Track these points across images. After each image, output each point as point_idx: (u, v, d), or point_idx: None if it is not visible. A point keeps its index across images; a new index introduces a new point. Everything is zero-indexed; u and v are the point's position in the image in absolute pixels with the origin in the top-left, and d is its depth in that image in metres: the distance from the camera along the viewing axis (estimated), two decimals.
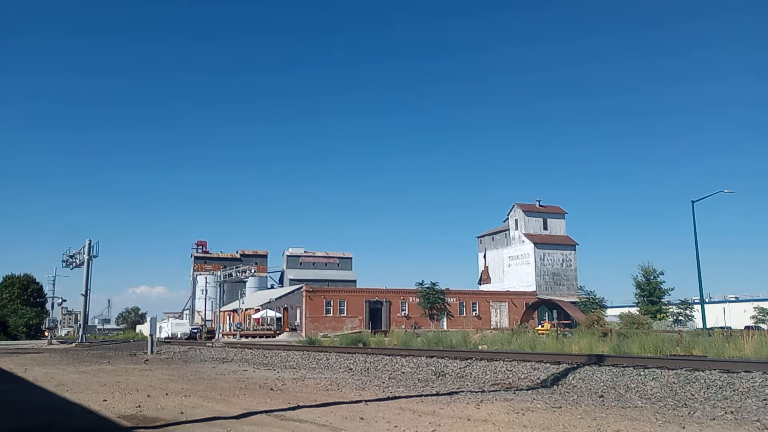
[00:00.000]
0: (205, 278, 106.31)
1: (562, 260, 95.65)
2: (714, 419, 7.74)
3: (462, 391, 11.10)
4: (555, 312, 76.11)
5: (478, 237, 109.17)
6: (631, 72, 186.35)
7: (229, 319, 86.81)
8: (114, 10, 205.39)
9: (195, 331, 73.43)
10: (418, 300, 78.25)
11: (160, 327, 73.68)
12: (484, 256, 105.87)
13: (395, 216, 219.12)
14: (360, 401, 9.85)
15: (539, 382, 12.37)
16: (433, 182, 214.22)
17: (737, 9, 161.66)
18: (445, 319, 77.92)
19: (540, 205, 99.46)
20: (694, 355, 17.48)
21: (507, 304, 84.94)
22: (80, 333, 51.50)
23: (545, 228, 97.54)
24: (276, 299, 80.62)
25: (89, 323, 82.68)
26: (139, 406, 9.47)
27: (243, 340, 53.56)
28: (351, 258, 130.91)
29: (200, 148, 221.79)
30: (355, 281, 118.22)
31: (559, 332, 30.34)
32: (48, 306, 79.18)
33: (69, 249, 54.72)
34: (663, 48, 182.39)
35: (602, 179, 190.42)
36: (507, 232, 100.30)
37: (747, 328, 50.09)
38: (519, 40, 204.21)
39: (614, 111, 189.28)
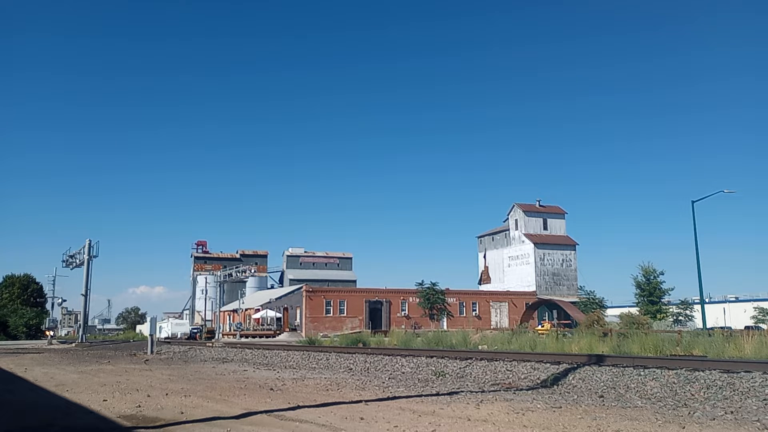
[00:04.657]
0: (205, 278, 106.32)
1: (562, 260, 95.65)
2: (714, 419, 7.74)
3: (462, 391, 11.10)
4: (555, 312, 76.08)
5: (478, 237, 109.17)
6: (631, 72, 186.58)
7: (229, 319, 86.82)
8: (114, 10, 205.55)
9: (195, 331, 73.45)
10: (418, 300, 78.24)
11: (160, 327, 73.71)
12: (484, 256, 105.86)
13: (395, 216, 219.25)
14: (360, 401, 9.85)
15: (539, 382, 12.36)
16: (433, 182, 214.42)
17: (737, 9, 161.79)
18: (445, 319, 77.92)
19: (540, 205, 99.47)
20: (694, 355, 17.48)
21: (507, 304, 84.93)
22: (80, 333, 51.48)
23: (545, 228, 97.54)
24: (276, 299, 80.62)
25: (89, 323, 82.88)
26: (139, 406, 9.47)
27: (243, 340, 53.56)
28: (351, 258, 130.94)
29: (200, 148, 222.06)
30: (355, 281, 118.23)
31: (559, 332, 30.34)
32: (48, 306, 79.18)
33: (69, 249, 54.79)
34: (663, 48, 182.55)
35: (602, 179, 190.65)
36: (507, 232, 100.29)
37: (747, 328, 50.07)
38: (519, 40, 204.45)
39: (614, 111, 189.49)
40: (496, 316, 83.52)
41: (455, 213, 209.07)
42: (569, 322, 61.15)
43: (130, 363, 22.34)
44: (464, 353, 17.99)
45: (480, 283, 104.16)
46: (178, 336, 71.46)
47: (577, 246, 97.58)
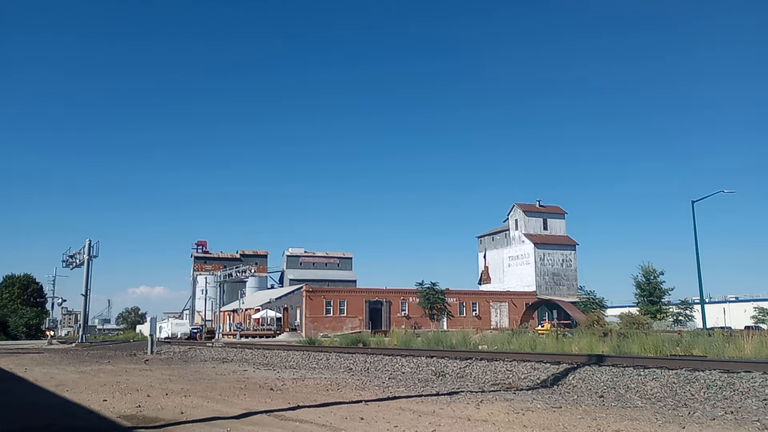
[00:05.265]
0: (205, 278, 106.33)
1: (562, 260, 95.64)
2: (714, 419, 7.74)
3: (462, 391, 11.10)
4: (555, 312, 76.10)
5: (478, 237, 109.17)
6: (631, 72, 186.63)
7: (229, 319, 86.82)
8: (114, 10, 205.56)
9: (195, 331, 73.46)
10: (418, 300, 78.23)
11: (160, 327, 73.69)
12: (484, 256, 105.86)
13: (395, 216, 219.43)
14: (360, 401, 9.84)
15: (539, 382, 12.36)
16: (433, 182, 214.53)
17: (737, 9, 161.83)
18: (445, 319, 77.93)
19: (540, 205, 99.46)
20: (694, 355, 17.47)
21: (507, 304, 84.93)
22: (80, 333, 51.47)
23: (545, 228, 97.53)
24: (276, 299, 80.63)
25: (89, 323, 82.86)
26: (139, 406, 9.47)
27: (243, 340, 53.56)
28: (351, 258, 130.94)
29: (200, 148, 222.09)
30: (355, 281, 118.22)
31: (559, 332, 30.34)
32: (48, 306, 79.15)
33: (69, 249, 54.76)
34: (663, 48, 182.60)
35: (602, 179, 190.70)
36: (507, 232, 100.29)
37: (747, 328, 50.05)
38: (519, 40, 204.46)
39: (614, 111, 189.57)
40: (496, 316, 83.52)
41: (455, 213, 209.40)
42: (569, 322, 61.14)
43: (130, 363, 22.33)
44: (464, 353, 17.98)
45: (480, 283, 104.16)
46: (178, 336, 71.47)
47: (577, 246, 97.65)
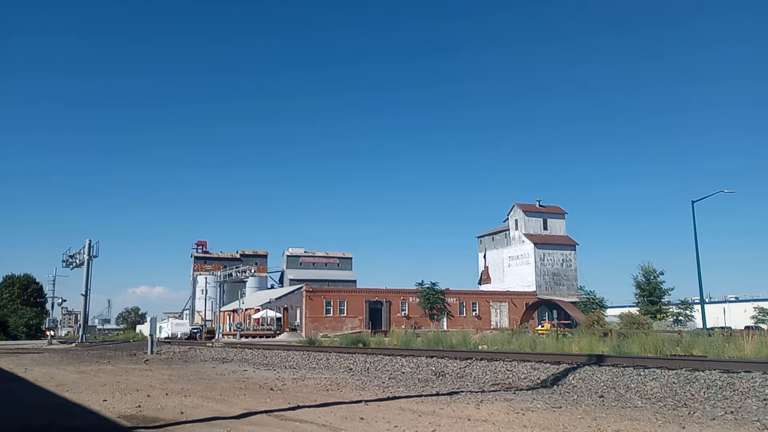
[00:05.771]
0: (205, 278, 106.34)
1: (562, 260, 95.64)
2: (714, 419, 7.74)
3: (462, 391, 11.09)
4: (555, 312, 76.09)
5: (478, 237, 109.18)
6: (631, 72, 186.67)
7: (229, 319, 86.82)
8: (114, 10, 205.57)
9: (195, 331, 73.47)
10: (418, 300, 78.23)
11: (160, 327, 73.71)
12: (484, 256, 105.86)
13: (395, 216, 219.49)
14: (360, 401, 9.84)
15: (539, 382, 12.36)
16: (433, 182, 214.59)
17: (737, 9, 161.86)
18: (445, 319, 77.93)
19: (540, 205, 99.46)
20: (694, 355, 17.47)
21: (507, 304, 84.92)
22: (80, 333, 51.46)
23: (545, 228, 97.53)
24: (276, 299, 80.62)
25: (89, 323, 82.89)
26: (139, 406, 9.47)
27: (243, 340, 53.56)
28: (351, 258, 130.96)
29: (200, 148, 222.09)
30: (355, 281, 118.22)
31: (559, 332, 30.35)
32: (48, 306, 79.18)
33: (69, 249, 54.76)
34: (663, 48, 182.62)
35: (602, 179, 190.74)
36: (507, 232, 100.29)
37: (747, 328, 50.05)
38: (519, 40, 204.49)
39: (614, 111, 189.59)
40: (496, 316, 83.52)
41: (455, 213, 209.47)
42: (569, 322, 61.14)
43: (130, 363, 22.33)
44: (464, 353, 17.98)
45: (480, 283, 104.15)
46: (178, 336, 71.48)
47: (577, 246, 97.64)
